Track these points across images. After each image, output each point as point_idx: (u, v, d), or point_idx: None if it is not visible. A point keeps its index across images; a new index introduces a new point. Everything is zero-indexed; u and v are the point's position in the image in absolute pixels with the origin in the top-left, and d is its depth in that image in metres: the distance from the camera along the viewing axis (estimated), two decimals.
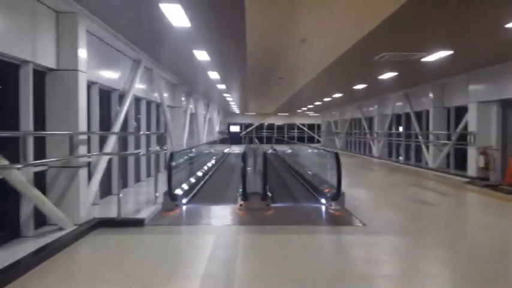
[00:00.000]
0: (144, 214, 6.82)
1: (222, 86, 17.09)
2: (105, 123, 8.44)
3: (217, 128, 32.79)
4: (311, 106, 30.71)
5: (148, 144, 11.75)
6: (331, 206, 7.84)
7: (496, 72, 11.30)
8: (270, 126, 45.43)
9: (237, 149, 26.68)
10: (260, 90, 19.61)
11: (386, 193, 10.74)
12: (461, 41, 8.45)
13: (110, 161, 8.34)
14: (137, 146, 10.53)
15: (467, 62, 11.10)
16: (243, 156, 8.73)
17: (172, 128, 13.63)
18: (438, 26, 7.37)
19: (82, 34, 6.23)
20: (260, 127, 45.13)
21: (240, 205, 7.79)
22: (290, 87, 17.67)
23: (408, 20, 6.83)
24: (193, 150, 12.76)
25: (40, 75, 5.91)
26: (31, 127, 5.43)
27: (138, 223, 6.40)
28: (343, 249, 5.67)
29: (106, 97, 8.69)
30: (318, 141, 41.72)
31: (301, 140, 40.11)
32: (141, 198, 8.71)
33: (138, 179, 10.78)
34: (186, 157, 10.80)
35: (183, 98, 15.62)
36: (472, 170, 12.47)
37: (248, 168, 8.87)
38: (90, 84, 7.60)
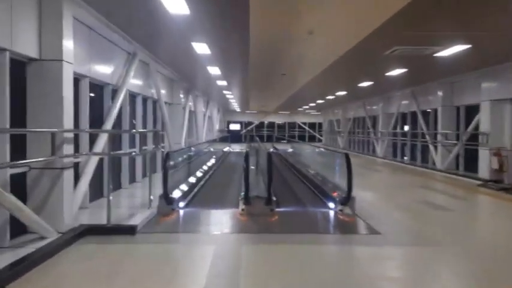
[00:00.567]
0: (137, 220, 6.22)
1: (222, 83, 16.51)
2: (97, 121, 7.84)
3: (217, 126, 32.22)
4: (313, 104, 30.17)
5: (144, 143, 11.13)
6: (341, 210, 7.25)
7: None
8: (271, 125, 44.82)
9: (237, 148, 26.14)
10: (262, 87, 19.08)
11: (396, 196, 10.14)
12: (479, 35, 7.93)
13: (101, 161, 7.74)
14: (132, 145, 9.93)
15: (483, 58, 10.57)
16: (246, 158, 8.13)
17: (170, 126, 13.04)
18: (456, 18, 6.86)
19: (68, 20, 5.60)
20: (261, 125, 44.54)
21: (242, 210, 7.19)
22: (293, 84, 17.19)
23: (423, 11, 6.40)
24: (191, 149, 12.20)
25: (20, 65, 5.28)
26: (7, 123, 4.82)
27: (129, 230, 5.81)
28: (359, 263, 5.01)
29: (98, 92, 8.08)
30: (320, 140, 41.26)
31: (301, 138, 39.54)
32: (135, 201, 8.11)
33: (133, 180, 10.16)
34: (184, 156, 10.24)
35: (181, 95, 15.04)
36: (483, 171, 11.88)
37: (251, 167, 8.27)
38: (79, 78, 7.02)
